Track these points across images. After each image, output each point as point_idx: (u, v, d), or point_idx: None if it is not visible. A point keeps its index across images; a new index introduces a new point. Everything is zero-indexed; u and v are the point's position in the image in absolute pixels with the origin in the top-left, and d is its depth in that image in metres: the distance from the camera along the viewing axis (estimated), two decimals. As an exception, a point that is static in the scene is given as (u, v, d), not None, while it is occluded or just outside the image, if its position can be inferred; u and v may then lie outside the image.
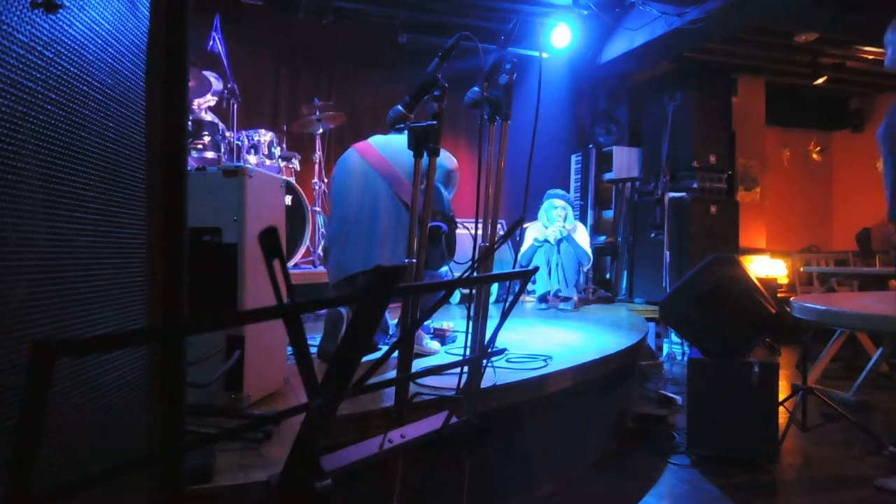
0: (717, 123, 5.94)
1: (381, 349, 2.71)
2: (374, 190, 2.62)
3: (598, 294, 5.48)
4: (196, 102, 4.38)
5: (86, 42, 0.88)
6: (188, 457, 1.28)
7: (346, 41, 5.81)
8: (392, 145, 2.74)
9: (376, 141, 2.81)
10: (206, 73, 4.45)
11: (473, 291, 1.80)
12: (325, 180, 4.95)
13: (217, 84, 4.50)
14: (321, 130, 5.00)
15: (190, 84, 1.12)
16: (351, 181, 2.68)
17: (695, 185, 5.71)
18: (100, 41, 0.91)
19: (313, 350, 2.54)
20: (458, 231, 2.84)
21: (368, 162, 2.68)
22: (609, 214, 6.57)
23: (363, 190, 2.64)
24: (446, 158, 2.72)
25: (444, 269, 2.72)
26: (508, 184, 2.14)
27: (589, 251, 4.87)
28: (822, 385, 3.78)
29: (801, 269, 6.27)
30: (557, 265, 4.73)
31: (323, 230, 4.63)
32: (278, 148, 4.65)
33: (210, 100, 4.49)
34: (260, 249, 0.64)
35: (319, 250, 4.55)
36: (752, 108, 6.59)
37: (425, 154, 1.78)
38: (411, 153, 2.63)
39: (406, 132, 2.83)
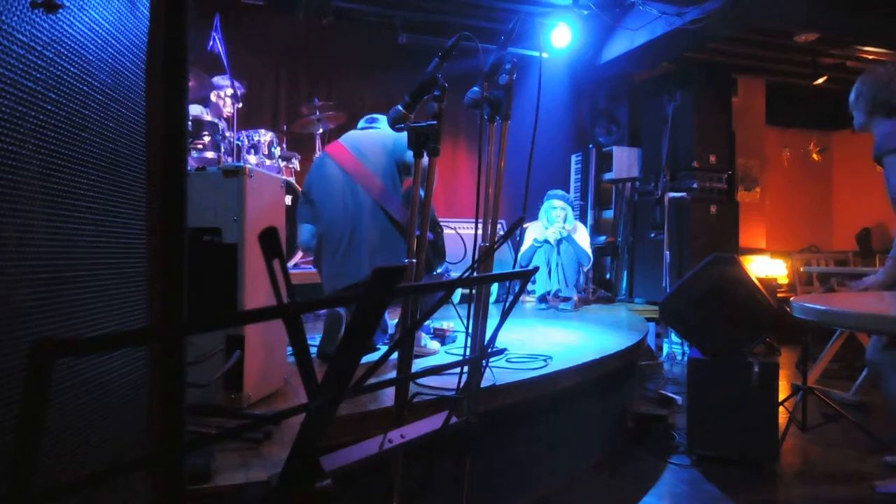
0: (717, 123, 5.93)
1: (379, 349, 2.72)
2: (357, 200, 2.62)
3: (598, 294, 5.48)
4: (225, 110, 4.45)
5: (86, 42, 0.88)
6: (188, 457, 1.28)
7: (346, 41, 5.81)
8: (364, 144, 2.73)
9: (348, 141, 2.79)
10: (218, 78, 4.47)
11: (473, 291, 1.80)
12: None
13: (231, 88, 4.50)
14: (321, 130, 5.00)
15: (190, 84, 1.12)
16: (332, 190, 2.67)
17: (695, 185, 5.71)
18: (100, 41, 0.91)
19: (313, 350, 2.54)
20: (446, 230, 2.86)
21: (345, 169, 2.67)
22: (609, 214, 6.57)
23: (345, 200, 2.63)
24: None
25: (440, 269, 2.73)
26: (508, 184, 2.14)
27: (589, 251, 4.88)
28: (822, 385, 3.78)
29: (801, 269, 6.27)
30: (557, 265, 4.73)
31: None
32: (278, 148, 4.64)
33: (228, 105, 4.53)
34: (260, 249, 0.64)
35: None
36: (752, 108, 6.58)
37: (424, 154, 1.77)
38: (383, 149, 2.67)
39: (380, 126, 2.87)
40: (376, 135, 2.80)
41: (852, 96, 2.73)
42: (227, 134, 4.38)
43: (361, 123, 2.99)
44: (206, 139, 4.14)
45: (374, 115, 3.00)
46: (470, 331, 1.73)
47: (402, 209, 2.60)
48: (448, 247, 2.83)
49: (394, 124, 1.92)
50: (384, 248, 2.58)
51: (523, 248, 4.87)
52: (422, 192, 1.79)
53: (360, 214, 2.60)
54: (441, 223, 2.90)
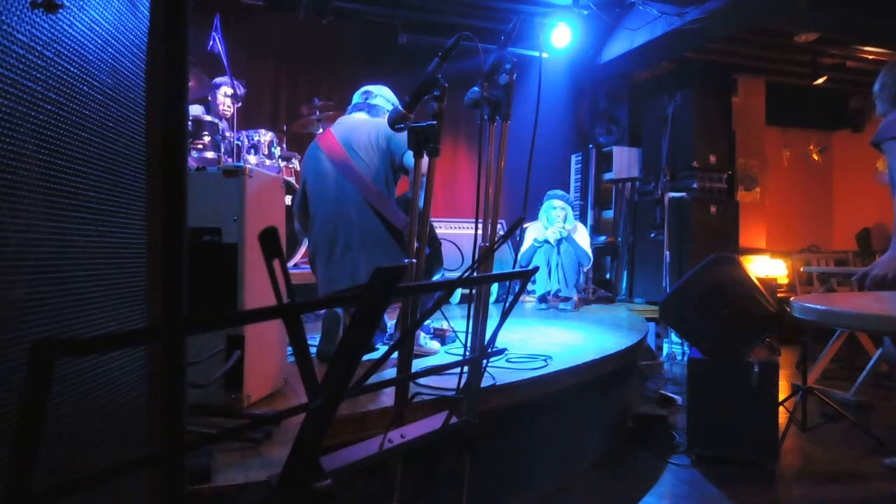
0: (717, 123, 5.93)
1: (378, 349, 2.72)
2: (348, 201, 2.60)
3: (598, 294, 5.48)
4: (221, 107, 4.46)
5: (86, 42, 0.88)
6: (188, 457, 1.28)
7: (346, 41, 5.81)
8: (356, 139, 2.67)
9: (340, 133, 2.72)
10: (221, 79, 4.48)
11: (473, 291, 1.80)
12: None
13: (231, 88, 4.49)
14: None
15: (190, 84, 1.12)
16: (325, 188, 2.64)
17: (695, 185, 5.71)
18: (100, 41, 0.91)
19: (313, 351, 2.54)
20: (443, 241, 2.85)
21: (337, 167, 2.63)
22: (609, 214, 6.57)
23: (336, 200, 2.61)
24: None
25: (438, 276, 2.73)
26: (508, 184, 2.14)
27: (589, 251, 4.88)
28: (822, 385, 3.78)
29: (801, 269, 6.27)
30: (557, 265, 4.73)
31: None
32: (278, 148, 4.64)
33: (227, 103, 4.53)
34: (260, 249, 0.64)
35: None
36: (752, 108, 6.58)
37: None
38: (376, 148, 2.64)
39: (377, 101, 2.84)
40: (370, 129, 2.70)
41: (876, 86, 2.84)
42: (227, 134, 4.38)
43: (357, 98, 2.89)
44: (206, 139, 4.14)
45: (369, 89, 2.89)
46: (465, 334, 1.73)
47: (395, 211, 2.57)
48: (445, 255, 2.83)
49: (394, 124, 1.92)
50: (380, 254, 2.56)
51: (523, 248, 4.87)
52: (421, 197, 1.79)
53: (351, 217, 2.57)
54: (438, 228, 2.89)
